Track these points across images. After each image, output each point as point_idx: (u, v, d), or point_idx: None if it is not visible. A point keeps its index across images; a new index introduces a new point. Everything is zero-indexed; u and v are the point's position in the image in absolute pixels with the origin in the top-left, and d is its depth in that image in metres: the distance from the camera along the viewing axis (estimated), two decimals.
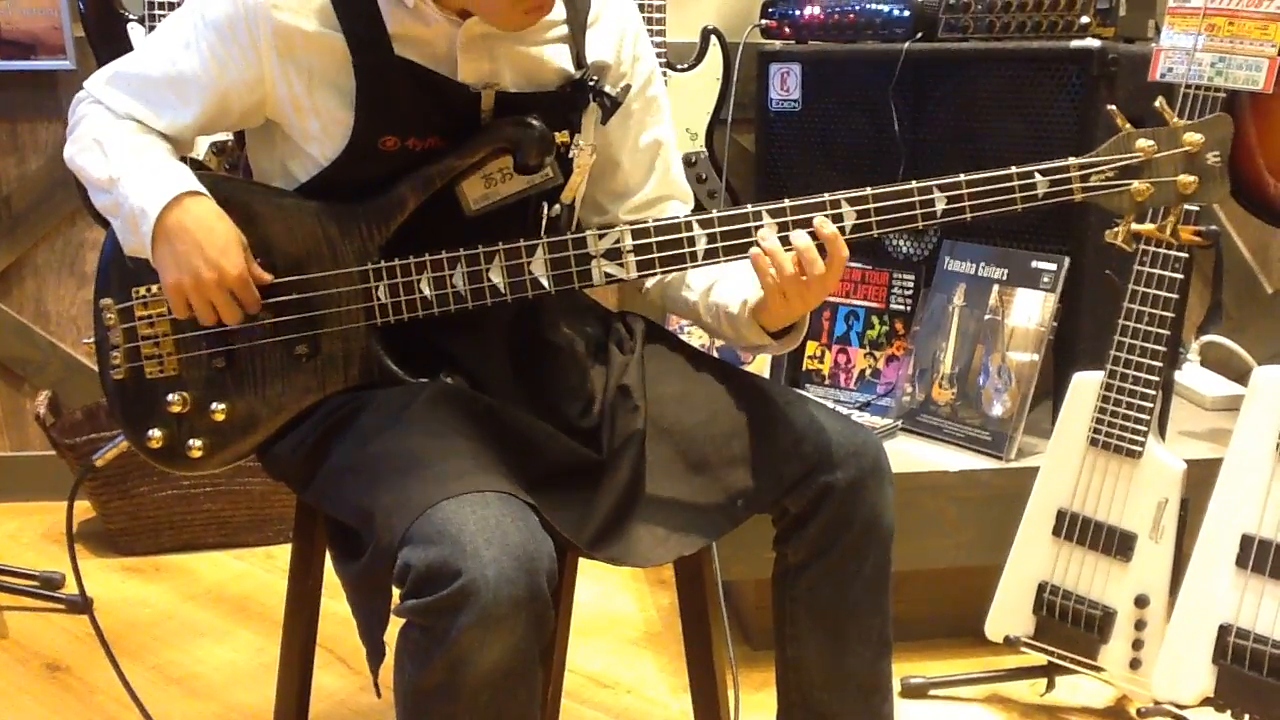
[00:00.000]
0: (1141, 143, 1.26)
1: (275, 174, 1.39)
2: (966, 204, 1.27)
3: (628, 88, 1.39)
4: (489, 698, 1.12)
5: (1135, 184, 1.26)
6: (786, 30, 2.40)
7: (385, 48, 1.28)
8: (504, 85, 1.34)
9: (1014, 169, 1.26)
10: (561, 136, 1.34)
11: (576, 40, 1.38)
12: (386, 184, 1.32)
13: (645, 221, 1.31)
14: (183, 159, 1.36)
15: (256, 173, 1.43)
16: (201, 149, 2.13)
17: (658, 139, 1.50)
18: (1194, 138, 1.25)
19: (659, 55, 2.45)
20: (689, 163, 2.54)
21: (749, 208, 1.28)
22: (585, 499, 1.32)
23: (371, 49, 1.28)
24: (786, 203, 1.28)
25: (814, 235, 1.25)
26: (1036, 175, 1.26)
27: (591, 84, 1.35)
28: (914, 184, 1.27)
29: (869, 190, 1.27)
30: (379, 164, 1.31)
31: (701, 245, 1.30)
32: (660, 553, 1.33)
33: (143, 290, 1.37)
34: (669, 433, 1.38)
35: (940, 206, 1.27)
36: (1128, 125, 1.27)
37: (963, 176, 1.27)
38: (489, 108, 1.33)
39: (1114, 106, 1.30)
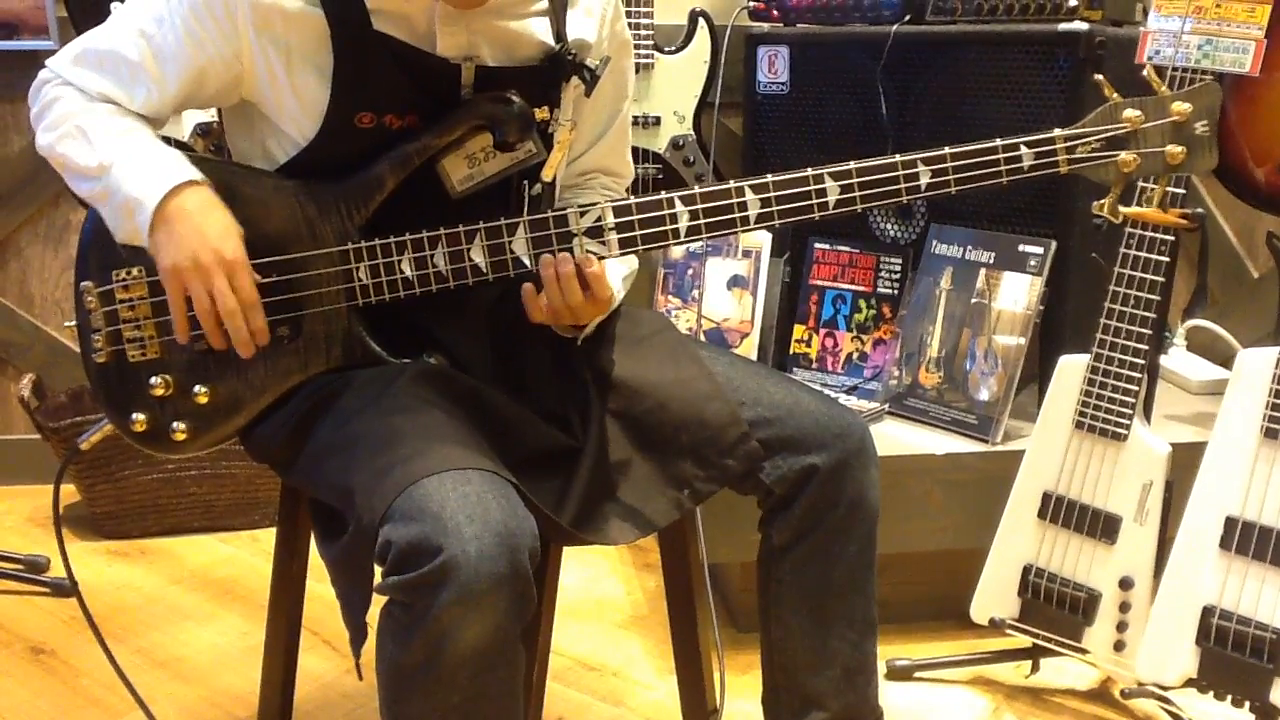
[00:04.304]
0: (1129, 113, 1.24)
1: (255, 155, 1.38)
2: (951, 177, 1.26)
3: (607, 59, 1.38)
4: (470, 675, 1.12)
5: (1122, 155, 1.25)
6: (774, 13, 2.40)
7: (364, 22, 1.27)
8: (483, 59, 1.33)
9: (999, 141, 1.25)
10: (541, 113, 1.33)
11: (557, 15, 1.37)
12: (365, 163, 1.31)
13: (626, 199, 1.30)
14: (165, 140, 1.35)
15: (236, 154, 1.42)
16: (186, 130, 2.11)
17: (616, 110, 1.51)
18: (1182, 107, 1.23)
19: (647, 38, 2.45)
20: (676, 146, 2.53)
21: (731, 183, 1.28)
22: (563, 482, 1.32)
23: (350, 23, 1.26)
24: (769, 178, 1.27)
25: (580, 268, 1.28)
26: (1022, 147, 1.25)
27: (571, 57, 1.35)
28: (898, 157, 1.26)
29: (852, 164, 1.26)
30: (357, 142, 1.30)
31: (684, 222, 1.29)
32: (622, 532, 1.34)
33: (122, 273, 1.35)
34: (631, 415, 1.38)
35: (925, 180, 1.26)
36: (1115, 95, 1.26)
37: (948, 149, 1.26)
38: (469, 82, 1.32)
39: (1101, 76, 1.28)
